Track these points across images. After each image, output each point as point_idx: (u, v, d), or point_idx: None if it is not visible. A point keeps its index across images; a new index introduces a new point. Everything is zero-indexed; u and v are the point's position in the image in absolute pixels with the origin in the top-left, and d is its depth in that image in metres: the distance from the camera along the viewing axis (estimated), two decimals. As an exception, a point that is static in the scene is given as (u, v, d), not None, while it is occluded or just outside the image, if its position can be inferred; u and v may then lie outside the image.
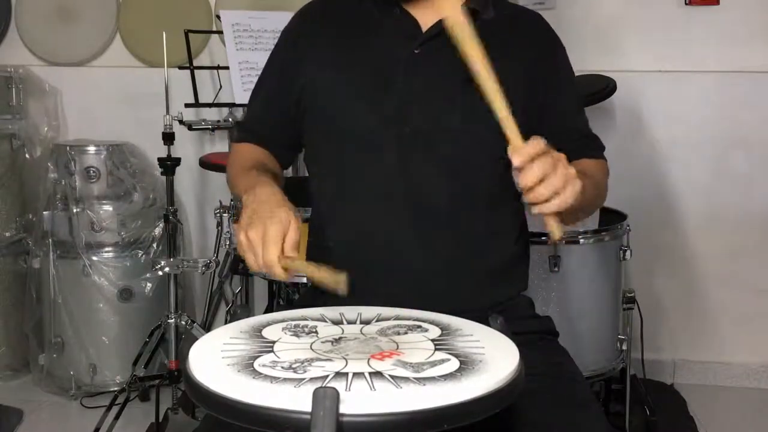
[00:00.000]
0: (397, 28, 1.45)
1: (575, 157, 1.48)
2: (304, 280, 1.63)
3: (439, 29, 1.43)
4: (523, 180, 1.12)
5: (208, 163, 2.77)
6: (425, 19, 1.45)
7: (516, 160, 1.12)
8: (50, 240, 2.92)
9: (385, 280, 1.40)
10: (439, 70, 1.42)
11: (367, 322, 1.18)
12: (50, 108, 3.28)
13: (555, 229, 1.14)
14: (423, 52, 1.43)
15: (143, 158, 3.14)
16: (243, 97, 2.57)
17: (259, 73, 1.60)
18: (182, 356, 2.56)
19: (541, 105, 1.46)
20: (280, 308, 2.63)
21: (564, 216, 1.18)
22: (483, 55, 1.18)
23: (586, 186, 1.30)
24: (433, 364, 1.00)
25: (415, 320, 1.19)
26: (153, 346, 2.68)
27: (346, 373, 0.96)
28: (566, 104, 1.52)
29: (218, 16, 2.92)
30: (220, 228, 2.58)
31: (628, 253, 2.38)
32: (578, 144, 1.51)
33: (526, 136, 1.44)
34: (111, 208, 2.93)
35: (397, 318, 1.20)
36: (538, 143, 1.13)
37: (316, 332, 1.13)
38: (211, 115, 3.01)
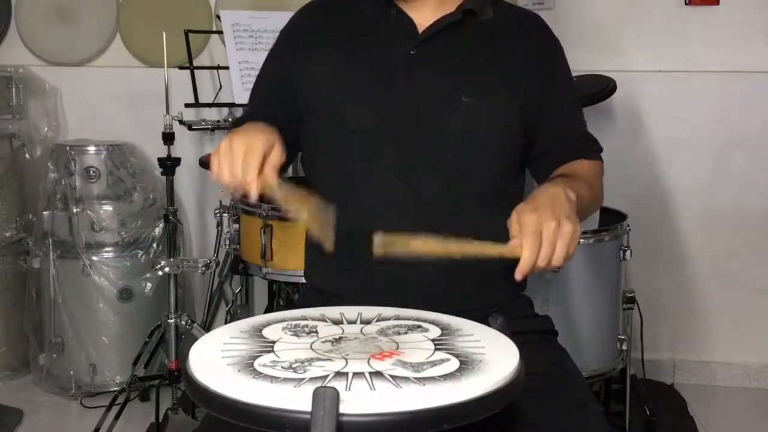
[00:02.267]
0: (394, 28, 1.45)
1: (571, 158, 1.49)
2: (304, 280, 1.62)
3: (435, 30, 1.43)
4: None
5: (208, 163, 2.76)
6: (421, 19, 1.45)
7: (519, 275, 1.17)
8: (50, 240, 2.92)
9: (384, 280, 1.40)
10: (435, 70, 1.42)
11: (367, 322, 1.18)
12: (50, 108, 3.28)
13: (518, 270, 1.18)
14: (419, 53, 1.43)
15: (143, 158, 3.14)
16: (243, 97, 2.57)
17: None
18: (182, 356, 2.56)
19: (539, 107, 1.46)
20: (280, 308, 2.63)
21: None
22: (438, 245, 1.19)
23: (584, 195, 1.34)
24: (433, 363, 1.00)
25: (415, 320, 1.19)
26: (153, 346, 2.68)
27: (346, 373, 0.96)
28: (564, 106, 1.52)
29: (218, 16, 2.92)
30: (220, 228, 2.58)
31: (628, 253, 2.38)
32: (575, 146, 1.51)
33: (524, 136, 1.46)
34: (111, 208, 2.94)
35: (397, 318, 1.20)
36: (528, 245, 1.15)
37: (317, 332, 1.13)
38: (211, 115, 3.01)
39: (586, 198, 1.38)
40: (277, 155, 1.20)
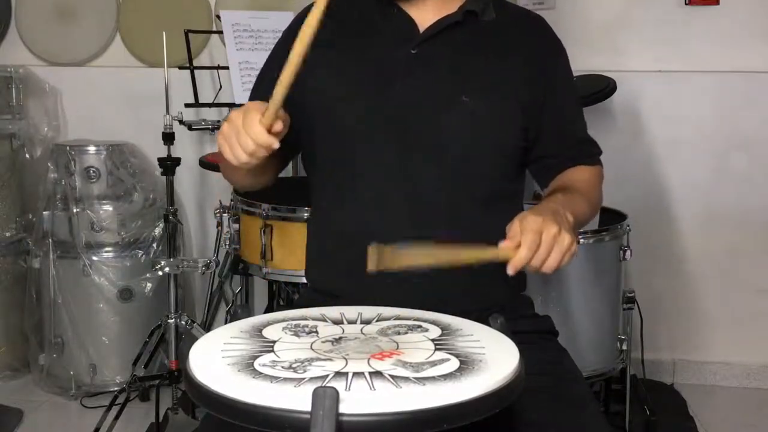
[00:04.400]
0: (395, 28, 1.45)
1: (571, 163, 1.50)
2: (304, 280, 1.62)
3: (436, 29, 1.43)
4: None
5: (208, 163, 2.77)
6: (422, 19, 1.45)
7: (511, 270, 1.19)
8: (50, 240, 2.92)
9: (384, 280, 1.40)
10: (436, 70, 1.42)
11: (367, 322, 1.18)
12: (50, 108, 3.28)
13: (510, 266, 1.20)
14: (420, 53, 1.43)
15: (143, 158, 3.14)
16: (243, 97, 2.57)
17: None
18: (182, 356, 2.56)
19: (540, 107, 1.46)
20: (280, 308, 2.63)
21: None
22: (430, 255, 1.23)
23: (582, 210, 1.38)
24: (433, 363, 1.00)
25: (415, 320, 1.19)
26: (153, 346, 2.68)
27: (346, 373, 0.96)
28: (565, 109, 1.52)
29: (218, 16, 2.92)
30: (220, 228, 2.58)
31: (628, 253, 2.38)
32: (575, 150, 1.52)
33: (525, 138, 1.46)
34: (111, 208, 2.93)
35: (397, 318, 1.20)
36: (527, 245, 1.18)
37: (317, 332, 1.13)
38: (211, 115, 3.01)
39: (584, 215, 1.42)
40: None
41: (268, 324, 1.16)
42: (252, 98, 1.61)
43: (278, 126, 1.19)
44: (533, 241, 1.17)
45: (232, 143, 1.20)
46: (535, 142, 1.48)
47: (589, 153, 1.55)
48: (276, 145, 1.18)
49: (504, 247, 1.20)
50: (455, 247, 1.21)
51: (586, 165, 1.52)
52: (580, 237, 2.28)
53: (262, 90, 1.58)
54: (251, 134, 1.17)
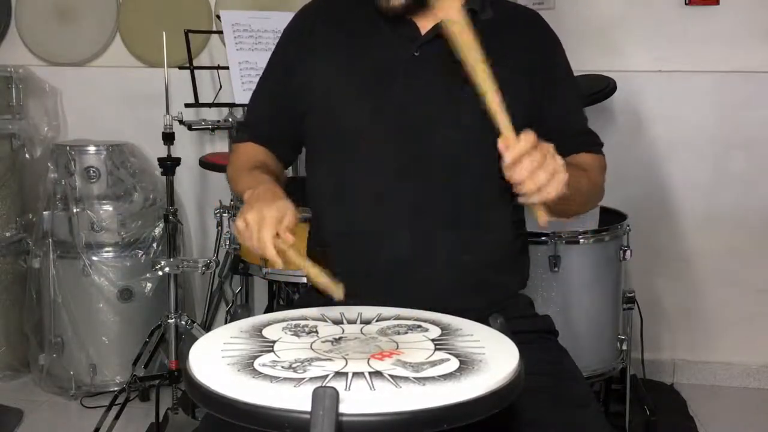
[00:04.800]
0: (396, 30, 1.45)
1: (573, 153, 1.49)
2: (304, 279, 1.63)
3: (438, 32, 1.43)
4: (513, 175, 1.17)
5: (208, 163, 2.77)
6: (424, 21, 1.45)
7: (507, 157, 1.16)
8: (50, 240, 2.92)
9: (384, 280, 1.40)
10: (437, 72, 1.42)
11: (367, 322, 1.18)
12: (50, 108, 3.28)
13: (540, 217, 1.20)
14: (422, 55, 1.44)
15: (143, 158, 3.14)
16: (243, 97, 2.57)
17: (260, 73, 1.60)
18: (182, 356, 2.56)
19: (540, 103, 1.47)
20: (280, 308, 2.63)
21: (553, 206, 1.21)
22: (479, 49, 1.20)
23: (578, 179, 1.35)
24: (433, 363, 1.00)
25: (415, 320, 1.19)
26: (153, 346, 2.68)
27: (346, 373, 0.96)
28: (565, 102, 1.52)
29: (218, 16, 2.91)
30: (220, 228, 2.58)
31: (628, 253, 2.38)
32: (577, 141, 1.51)
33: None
34: (111, 208, 2.93)
35: (397, 318, 1.20)
36: (528, 139, 1.17)
37: (317, 332, 1.13)
38: (211, 115, 3.01)
39: (582, 185, 1.40)
40: (290, 217, 1.25)
41: (268, 324, 1.16)
42: (252, 101, 1.62)
43: (290, 239, 1.24)
44: (528, 143, 1.17)
45: (249, 245, 1.25)
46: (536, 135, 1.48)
47: (591, 143, 1.55)
48: (282, 266, 1.24)
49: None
50: (495, 94, 1.20)
51: (587, 153, 1.53)
52: (580, 237, 2.28)
53: (262, 96, 1.59)
54: (263, 252, 1.22)
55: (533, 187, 1.16)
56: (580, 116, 1.56)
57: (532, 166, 1.15)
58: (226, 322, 2.77)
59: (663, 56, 3.01)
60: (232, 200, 2.50)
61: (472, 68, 1.20)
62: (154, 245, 2.98)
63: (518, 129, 1.44)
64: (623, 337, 2.41)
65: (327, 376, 0.95)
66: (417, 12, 1.44)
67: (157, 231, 2.98)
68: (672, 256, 3.09)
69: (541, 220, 1.19)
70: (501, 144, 1.17)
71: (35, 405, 2.87)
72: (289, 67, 1.52)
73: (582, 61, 2.66)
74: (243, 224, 1.24)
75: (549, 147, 1.19)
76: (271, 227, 1.22)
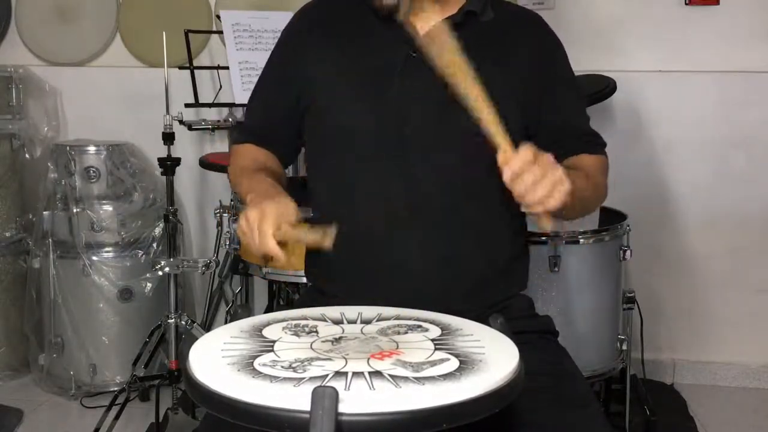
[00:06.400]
0: (395, 30, 1.45)
1: (574, 154, 1.49)
2: (304, 280, 1.63)
3: None
4: (514, 189, 1.18)
5: (208, 163, 2.77)
6: (423, 21, 1.45)
7: (506, 175, 1.17)
8: (50, 240, 2.92)
9: (384, 280, 1.40)
10: (436, 72, 1.42)
11: (367, 322, 1.18)
12: (50, 108, 3.28)
13: (544, 224, 1.21)
14: (420, 56, 1.43)
15: (143, 158, 3.14)
16: (243, 97, 2.57)
17: (259, 72, 1.60)
18: (182, 356, 2.56)
19: (541, 104, 1.47)
20: (280, 308, 2.63)
21: (558, 213, 1.21)
22: (463, 65, 1.20)
23: (581, 186, 1.34)
24: (433, 363, 1.00)
25: (415, 320, 1.19)
26: (153, 346, 2.68)
27: (346, 373, 0.96)
28: (566, 103, 1.52)
29: (218, 16, 2.91)
30: (220, 228, 2.58)
31: (628, 253, 2.38)
32: (579, 142, 1.51)
33: (526, 135, 1.46)
34: (111, 208, 2.93)
35: (397, 318, 1.20)
36: (527, 152, 1.17)
37: (317, 332, 1.13)
38: (211, 115, 3.01)
39: (584, 190, 1.38)
40: (291, 212, 1.26)
41: (268, 324, 1.16)
42: (251, 102, 1.62)
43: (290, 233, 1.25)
44: (527, 157, 1.17)
45: (248, 242, 1.27)
46: (536, 137, 1.48)
47: (593, 143, 1.55)
48: (283, 260, 1.25)
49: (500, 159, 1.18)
50: (486, 108, 1.21)
51: (589, 155, 1.52)
52: (580, 237, 2.28)
53: (261, 94, 1.59)
54: (263, 247, 1.23)
55: (535, 200, 1.17)
56: (581, 117, 1.56)
57: (532, 181, 1.16)
58: (226, 322, 2.78)
59: (663, 56, 3.01)
60: (232, 200, 2.50)
61: (461, 90, 1.21)
62: (154, 245, 2.98)
63: (518, 132, 1.45)
64: (623, 337, 2.41)
65: (327, 375, 0.95)
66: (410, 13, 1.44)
67: (157, 231, 2.98)
68: (672, 256, 3.09)
69: (544, 227, 1.20)
70: (500, 159, 1.18)
71: (35, 405, 2.87)
72: (287, 67, 1.52)
73: (582, 61, 2.65)
74: (245, 222, 1.26)
75: (549, 158, 1.20)
76: (272, 220, 1.23)
